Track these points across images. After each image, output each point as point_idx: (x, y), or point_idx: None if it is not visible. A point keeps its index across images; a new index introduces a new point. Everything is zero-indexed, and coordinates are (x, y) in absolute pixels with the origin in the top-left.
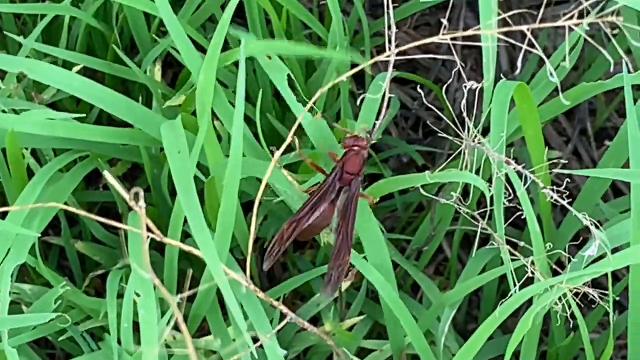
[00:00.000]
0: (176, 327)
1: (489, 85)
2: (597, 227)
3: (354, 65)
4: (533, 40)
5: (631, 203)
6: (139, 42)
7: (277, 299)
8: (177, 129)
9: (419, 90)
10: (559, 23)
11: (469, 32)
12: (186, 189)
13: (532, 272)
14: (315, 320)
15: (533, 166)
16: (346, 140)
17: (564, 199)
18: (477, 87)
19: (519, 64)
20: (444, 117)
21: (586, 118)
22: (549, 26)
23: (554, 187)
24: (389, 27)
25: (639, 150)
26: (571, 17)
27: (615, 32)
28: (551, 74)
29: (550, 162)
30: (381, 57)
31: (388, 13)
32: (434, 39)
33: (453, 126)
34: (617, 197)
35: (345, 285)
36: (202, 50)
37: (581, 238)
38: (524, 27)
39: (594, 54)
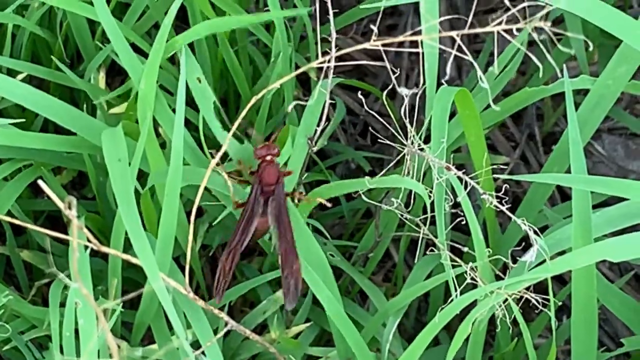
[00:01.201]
0: (123, 336)
1: (431, 91)
2: (536, 233)
3: (300, 75)
4: (463, 46)
5: (573, 210)
6: (83, 49)
7: (223, 307)
8: (117, 136)
9: (361, 96)
10: (488, 29)
11: (400, 39)
12: (125, 196)
13: (473, 278)
14: (264, 328)
15: (476, 171)
16: (257, 150)
17: (503, 204)
18: (418, 93)
19: (447, 70)
20: (389, 124)
21: (534, 123)
22: (478, 31)
23: (494, 194)
24: (330, 34)
25: (580, 155)
26: (500, 23)
27: (559, 37)
28: (481, 79)
29: (494, 166)
30: (315, 63)
31: (328, 19)
32: (365, 45)
33: (397, 133)
34: (564, 201)
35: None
36: (147, 57)
37: (526, 243)
38: (453, 33)
39: (541, 59)
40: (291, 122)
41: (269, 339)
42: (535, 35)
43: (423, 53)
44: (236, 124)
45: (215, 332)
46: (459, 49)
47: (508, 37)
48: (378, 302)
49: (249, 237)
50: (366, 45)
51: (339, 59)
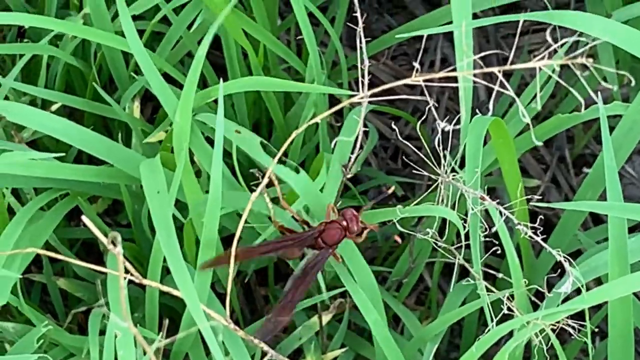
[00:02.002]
0: None
1: (466, 122)
2: (571, 263)
3: (332, 98)
4: (505, 81)
5: (609, 237)
6: (117, 79)
7: None
8: (155, 168)
9: (393, 124)
10: (530, 64)
11: (441, 74)
12: (165, 228)
13: (509, 308)
14: (300, 353)
15: (510, 198)
16: (345, 211)
17: (538, 235)
18: (453, 122)
19: (490, 105)
20: (419, 149)
21: (564, 146)
22: (521, 67)
23: (528, 224)
24: (362, 62)
25: (616, 182)
26: (542, 58)
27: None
28: (523, 115)
29: (527, 194)
30: (353, 99)
31: (361, 48)
32: (407, 81)
33: (427, 159)
34: (597, 225)
35: (326, 318)
36: (181, 86)
37: (561, 268)
38: (495, 69)
39: (571, 82)
40: (325, 148)
41: None
42: (577, 72)
43: (459, 84)
44: (276, 159)
45: (253, 358)
46: (501, 85)
47: (546, 70)
48: (413, 328)
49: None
50: (408, 81)
51: (370, 86)
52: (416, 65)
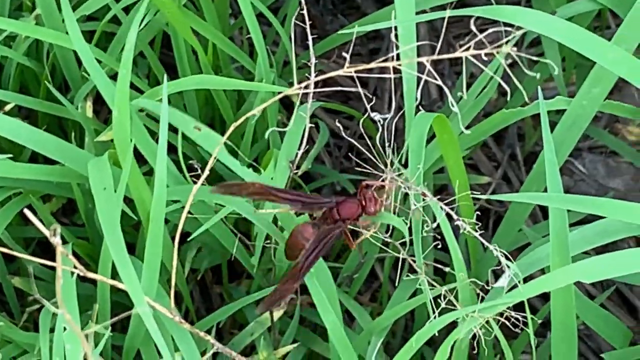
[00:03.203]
0: None
1: (410, 116)
2: (508, 258)
3: (285, 98)
4: (433, 71)
5: (550, 229)
6: (69, 79)
7: (210, 329)
8: (103, 166)
9: (341, 120)
10: (457, 54)
11: (371, 65)
12: (110, 223)
13: (450, 300)
14: (254, 349)
15: (456, 194)
16: (366, 191)
17: (478, 227)
18: (386, 119)
19: (418, 94)
20: (373, 147)
21: (515, 143)
22: (447, 57)
23: (468, 219)
24: (310, 59)
25: (556, 175)
26: (468, 49)
27: (535, 59)
28: (452, 104)
29: (475, 187)
30: (292, 89)
31: (308, 45)
32: (340, 72)
33: (378, 156)
34: (546, 220)
35: (278, 313)
36: (133, 86)
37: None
38: (423, 59)
39: (520, 79)
40: (276, 146)
41: None
42: (502, 61)
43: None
44: (217, 150)
45: (204, 354)
46: (434, 74)
47: (476, 62)
48: (363, 322)
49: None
50: (340, 72)
51: (319, 83)
52: (356, 54)
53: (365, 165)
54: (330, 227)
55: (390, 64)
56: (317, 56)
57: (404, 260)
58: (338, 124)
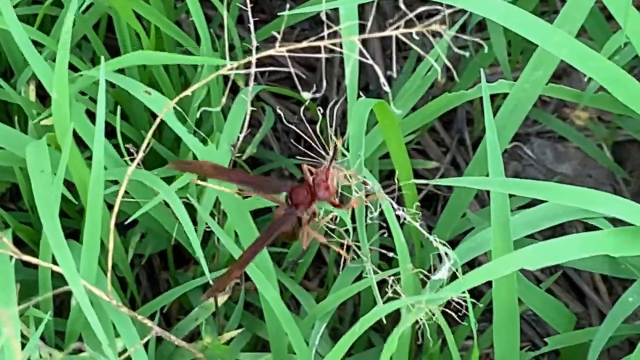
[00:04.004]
0: (58, 345)
1: (352, 99)
2: (450, 246)
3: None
4: (365, 51)
5: (491, 213)
6: (12, 63)
7: (153, 315)
8: (41, 149)
9: (283, 107)
10: (386, 33)
11: (303, 45)
12: (46, 206)
13: (395, 289)
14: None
15: (399, 179)
16: (317, 173)
17: (418, 218)
18: (316, 99)
19: (347, 75)
20: (321, 132)
21: (464, 128)
22: (377, 36)
23: (403, 207)
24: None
25: (498, 158)
26: (397, 27)
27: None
28: (383, 84)
29: (423, 172)
30: (224, 70)
31: (249, 27)
32: (271, 52)
33: (325, 141)
34: None
35: (222, 299)
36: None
37: (454, 246)
38: (354, 38)
39: (466, 61)
40: (220, 130)
41: (202, 345)
42: (432, 40)
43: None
44: (152, 130)
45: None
46: (366, 54)
47: (406, 40)
48: (308, 307)
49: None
50: (271, 52)
51: (260, 65)
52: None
53: (309, 151)
54: (284, 213)
55: (321, 43)
56: (262, 40)
57: (349, 246)
58: (283, 109)
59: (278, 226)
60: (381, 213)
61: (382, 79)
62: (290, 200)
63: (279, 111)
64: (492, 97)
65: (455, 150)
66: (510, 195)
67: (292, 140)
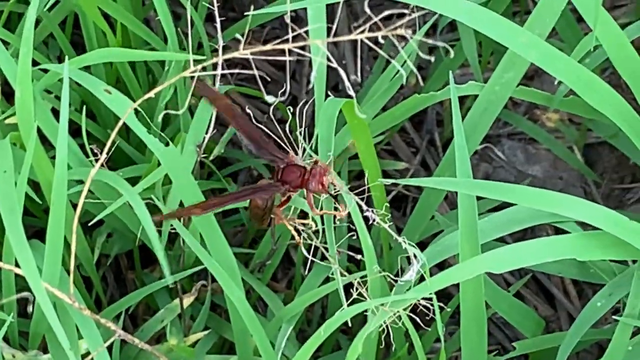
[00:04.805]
0: (22, 347)
1: (320, 100)
2: (420, 247)
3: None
4: (329, 54)
5: (459, 215)
6: None
7: (119, 316)
8: (4, 148)
9: (252, 106)
10: (352, 37)
11: (268, 47)
12: (8, 207)
13: (361, 291)
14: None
15: (368, 180)
16: (316, 167)
17: (387, 219)
18: (284, 101)
19: (312, 77)
20: (291, 132)
21: (434, 129)
22: (344, 39)
23: (376, 208)
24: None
25: (465, 160)
26: (363, 31)
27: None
28: (348, 88)
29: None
30: (188, 73)
31: (215, 26)
32: (236, 54)
33: (296, 142)
34: None
35: (188, 300)
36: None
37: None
38: (317, 41)
39: (438, 63)
40: (185, 129)
41: (167, 347)
42: (397, 43)
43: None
44: (115, 130)
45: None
46: (331, 58)
47: (372, 44)
48: (275, 309)
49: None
50: (235, 54)
51: (234, 64)
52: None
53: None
54: (268, 183)
55: (286, 46)
56: (233, 39)
57: (317, 247)
58: (252, 108)
59: (256, 190)
60: (351, 215)
61: (348, 84)
62: (279, 175)
63: (248, 110)
64: (464, 98)
65: (425, 151)
66: (481, 198)
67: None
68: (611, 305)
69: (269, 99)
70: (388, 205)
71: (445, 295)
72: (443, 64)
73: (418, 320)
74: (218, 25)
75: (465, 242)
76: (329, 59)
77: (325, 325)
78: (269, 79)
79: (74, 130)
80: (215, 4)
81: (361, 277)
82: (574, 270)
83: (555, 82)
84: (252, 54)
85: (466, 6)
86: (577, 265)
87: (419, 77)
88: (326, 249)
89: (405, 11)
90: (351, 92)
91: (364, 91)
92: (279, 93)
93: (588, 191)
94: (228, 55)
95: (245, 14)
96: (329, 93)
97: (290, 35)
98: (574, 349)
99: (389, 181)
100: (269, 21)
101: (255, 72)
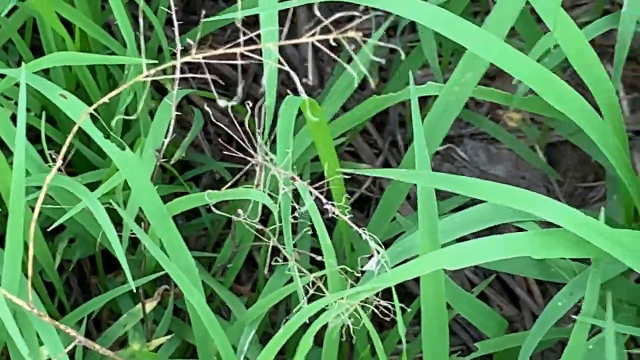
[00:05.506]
0: None
1: (270, 102)
2: (379, 243)
3: (160, 90)
4: (280, 57)
5: (419, 211)
6: None
7: (81, 322)
8: None
9: (209, 108)
10: (302, 40)
11: (219, 52)
12: None
13: (322, 289)
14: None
15: (332, 181)
16: None
17: (345, 214)
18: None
19: (263, 81)
20: (253, 133)
21: (396, 129)
22: (293, 42)
23: (349, 201)
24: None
25: (425, 157)
26: (314, 34)
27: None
28: (300, 92)
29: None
30: (142, 77)
31: (173, 30)
32: (188, 59)
33: (256, 143)
34: None
35: (151, 305)
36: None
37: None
38: (270, 44)
39: (399, 65)
40: (145, 134)
41: (129, 352)
42: (346, 45)
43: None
44: (71, 135)
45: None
46: (282, 61)
47: (324, 47)
48: (238, 312)
49: None
50: (188, 59)
51: (195, 69)
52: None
53: (240, 152)
54: None
55: (238, 50)
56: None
57: (271, 248)
58: (214, 110)
59: None
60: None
61: (299, 86)
62: None
63: (207, 108)
64: (426, 98)
65: (387, 152)
66: (443, 198)
67: (222, 142)
68: (572, 305)
69: (221, 103)
70: (350, 206)
71: (409, 296)
72: (404, 65)
73: (385, 320)
74: (176, 29)
75: (426, 240)
76: (281, 62)
77: (285, 327)
78: (229, 82)
79: (35, 136)
80: (173, 8)
81: (322, 277)
82: (536, 270)
83: (514, 82)
84: (210, 57)
85: (423, 7)
86: (538, 265)
87: (371, 81)
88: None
89: (356, 13)
90: (303, 94)
91: (325, 92)
92: (235, 97)
93: (551, 190)
94: (186, 59)
95: (202, 20)
96: (290, 93)
97: (241, 39)
98: (538, 348)
99: (347, 170)
100: (230, 24)
101: (208, 76)
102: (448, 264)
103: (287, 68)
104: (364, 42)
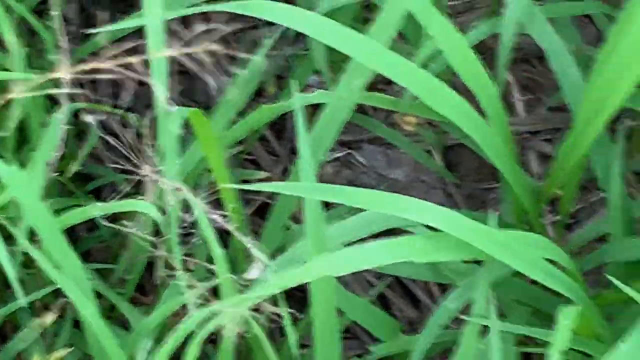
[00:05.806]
0: None
1: (160, 112)
2: (264, 252)
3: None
4: (136, 70)
5: (305, 220)
6: None
7: None
8: None
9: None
10: (170, 53)
11: (107, 65)
12: None
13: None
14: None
15: (222, 192)
16: None
17: (238, 223)
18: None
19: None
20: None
21: (294, 137)
22: (164, 54)
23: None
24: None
25: (309, 167)
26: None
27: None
28: (168, 107)
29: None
30: (18, 94)
31: (75, 41)
32: (58, 75)
33: (145, 155)
34: None
35: (52, 318)
36: None
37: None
38: (135, 60)
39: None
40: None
41: None
42: (204, 56)
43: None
44: None
45: None
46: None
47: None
48: (136, 323)
49: None
50: (59, 75)
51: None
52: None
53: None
54: None
55: (122, 61)
56: (90, 53)
57: (159, 258)
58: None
59: None
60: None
61: (162, 100)
62: None
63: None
64: (319, 105)
65: (286, 160)
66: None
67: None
68: (463, 306)
69: (89, 118)
70: (250, 215)
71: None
72: (299, 72)
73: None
74: (65, 44)
75: (314, 248)
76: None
77: (174, 336)
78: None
79: None
80: (62, 23)
81: (213, 286)
82: (429, 273)
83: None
84: (98, 70)
85: (306, 17)
86: (432, 268)
87: (269, 87)
88: (185, 260)
89: (222, 26)
90: (168, 107)
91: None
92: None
93: (449, 193)
94: (60, 74)
95: (91, 31)
96: (185, 103)
97: (119, 51)
98: (435, 349)
99: (228, 186)
100: (130, 34)
101: (84, 91)
102: (333, 270)
103: (147, 80)
104: (227, 54)
